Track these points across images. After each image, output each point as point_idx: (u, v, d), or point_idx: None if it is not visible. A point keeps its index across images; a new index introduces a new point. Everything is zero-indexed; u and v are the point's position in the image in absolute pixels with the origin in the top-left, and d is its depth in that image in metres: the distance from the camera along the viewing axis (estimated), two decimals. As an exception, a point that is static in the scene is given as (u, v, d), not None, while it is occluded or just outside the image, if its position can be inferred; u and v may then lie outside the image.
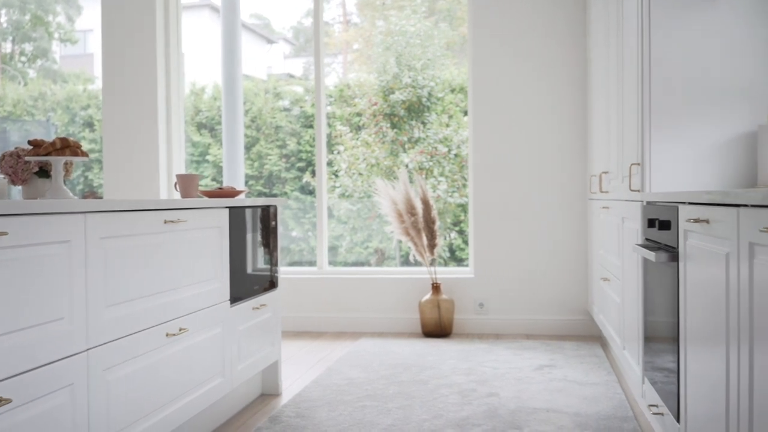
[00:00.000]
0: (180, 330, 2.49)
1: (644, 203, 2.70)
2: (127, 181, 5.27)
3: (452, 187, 5.68)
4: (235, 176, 5.44)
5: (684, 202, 2.14)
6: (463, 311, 4.86)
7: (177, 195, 4.44)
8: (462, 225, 5.63)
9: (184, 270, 2.55)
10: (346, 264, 5.74)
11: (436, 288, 4.73)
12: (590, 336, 4.68)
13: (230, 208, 2.94)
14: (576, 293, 4.76)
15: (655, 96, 2.76)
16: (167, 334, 2.41)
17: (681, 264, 2.16)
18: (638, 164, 2.82)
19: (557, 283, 4.77)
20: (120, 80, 5.29)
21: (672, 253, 2.24)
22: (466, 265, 5.26)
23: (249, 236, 3.16)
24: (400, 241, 5.41)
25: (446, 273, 5.01)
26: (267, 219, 3.37)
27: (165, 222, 2.39)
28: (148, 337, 2.30)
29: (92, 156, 7.27)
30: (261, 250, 3.30)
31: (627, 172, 3.04)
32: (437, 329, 4.71)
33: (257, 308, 3.19)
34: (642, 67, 2.79)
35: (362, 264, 5.76)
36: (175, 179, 4.08)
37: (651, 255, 2.31)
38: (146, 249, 2.30)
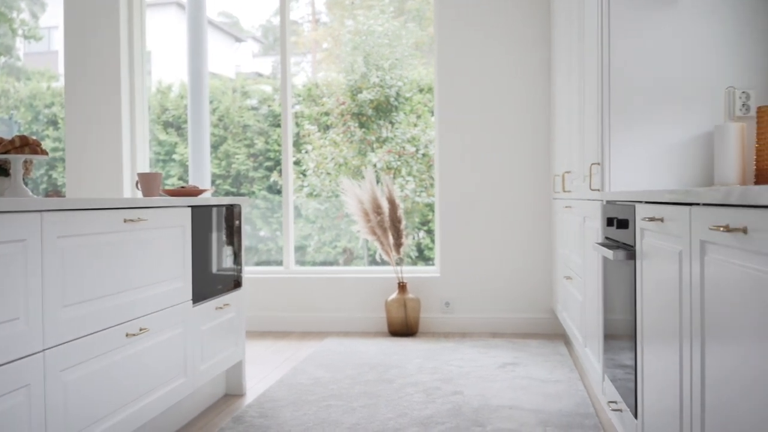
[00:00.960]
0: (140, 330, 2.47)
1: (604, 202, 2.74)
2: (91, 180, 5.21)
3: (420, 186, 5.69)
4: (201, 175, 5.40)
5: (641, 201, 2.18)
6: (429, 310, 4.88)
7: (140, 194, 4.41)
8: (430, 224, 5.65)
9: (145, 269, 2.53)
10: (314, 263, 5.73)
11: (402, 287, 4.74)
12: (555, 334, 4.72)
13: (193, 207, 2.92)
14: (541, 292, 4.81)
15: (614, 96, 2.79)
16: (127, 334, 2.39)
17: (638, 262, 2.19)
18: (598, 164, 2.86)
19: (522, 282, 4.82)
20: (83, 78, 5.23)
21: (630, 251, 2.27)
22: (434, 265, 5.28)
23: (212, 235, 3.14)
24: (367, 241, 5.42)
25: (413, 272, 5.03)
26: (231, 218, 3.36)
27: (125, 221, 2.37)
28: (107, 337, 2.28)
29: (56, 154, 7.17)
30: (225, 250, 3.29)
31: (588, 171, 3.08)
32: (403, 328, 4.72)
33: (221, 308, 3.18)
34: (602, 68, 2.83)
35: (331, 263, 5.75)
36: (136, 178, 4.04)
37: (609, 253, 2.34)
38: (105, 248, 2.27)
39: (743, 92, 2.68)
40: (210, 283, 3.10)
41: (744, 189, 1.29)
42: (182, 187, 3.24)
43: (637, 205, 2.18)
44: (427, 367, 3.85)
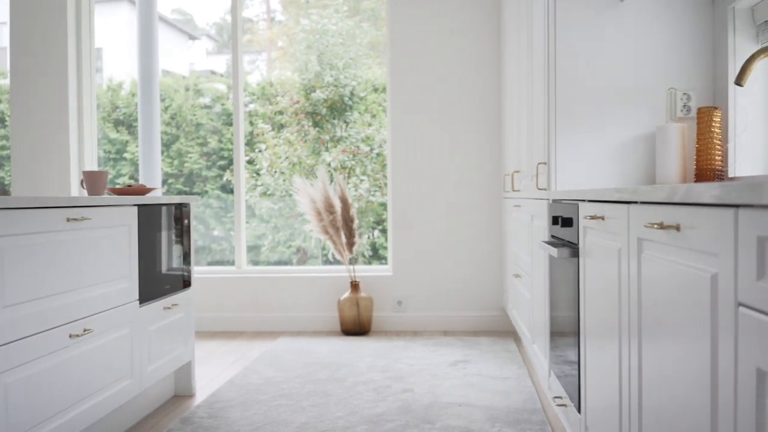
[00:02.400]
0: (84, 331, 2.43)
1: (550, 201, 2.78)
2: (38, 178, 5.11)
3: (374, 186, 5.70)
4: (152, 174, 5.33)
5: (584, 200, 2.22)
6: (381, 309, 4.90)
7: (86, 193, 4.33)
8: (384, 224, 5.66)
9: (90, 269, 2.49)
10: (269, 263, 5.70)
11: (355, 286, 4.75)
12: (505, 331, 4.78)
13: (139, 206, 2.88)
14: (491, 290, 4.86)
15: (560, 97, 2.84)
16: (71, 335, 2.35)
17: (581, 260, 2.23)
18: (545, 163, 2.90)
19: (474, 281, 4.86)
20: (29, 75, 5.12)
21: (574, 249, 2.31)
22: (387, 264, 5.29)
23: (160, 235, 3.10)
24: (321, 240, 5.40)
25: (365, 271, 5.04)
26: (180, 217, 3.32)
27: (68, 220, 2.33)
28: (50, 338, 2.24)
29: (2, 153, 7.00)
30: (174, 249, 3.25)
31: (535, 171, 3.12)
32: (356, 327, 4.73)
33: (169, 308, 3.14)
34: (548, 69, 2.87)
35: (285, 263, 5.72)
36: (81, 176, 3.97)
37: (554, 251, 2.38)
38: (48, 248, 2.23)
39: (684, 93, 2.75)
40: (158, 283, 3.06)
41: (676, 187, 1.32)
42: (129, 185, 3.19)
43: (580, 204, 2.21)
44: (378, 365, 3.86)
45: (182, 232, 3.35)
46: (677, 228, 1.35)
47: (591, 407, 2.14)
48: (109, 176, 5.91)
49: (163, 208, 3.13)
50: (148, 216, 2.97)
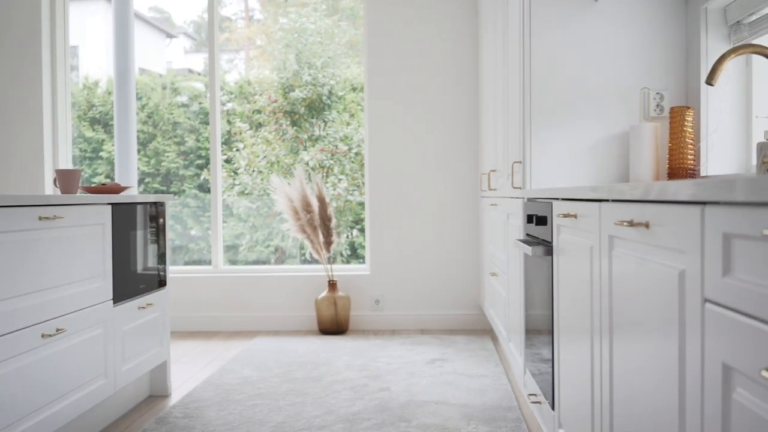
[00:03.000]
0: (57, 331, 2.41)
1: (525, 200, 2.80)
2: (11, 177, 5.05)
3: (353, 185, 5.70)
4: (128, 173, 5.29)
5: (557, 198, 2.23)
6: (359, 308, 4.90)
7: (59, 191, 4.29)
8: (363, 223, 5.66)
9: (63, 269, 2.46)
10: (247, 262, 5.67)
11: (332, 285, 4.74)
12: (482, 330, 4.79)
13: (113, 204, 2.85)
14: (469, 288, 4.87)
15: (535, 96, 2.85)
16: (43, 335, 2.33)
17: (555, 258, 2.24)
18: (520, 162, 2.91)
19: (451, 279, 4.87)
20: (3, 73, 5.06)
21: (548, 247, 2.33)
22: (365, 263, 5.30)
23: (135, 234, 3.08)
24: (300, 239, 5.39)
25: (343, 270, 5.04)
26: (155, 216, 3.30)
27: (40, 219, 2.30)
28: (22, 339, 2.21)
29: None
30: (148, 248, 3.23)
31: (510, 170, 3.14)
32: (333, 326, 4.72)
33: (143, 307, 3.12)
34: (523, 69, 2.88)
35: (264, 262, 5.70)
36: (54, 175, 3.94)
37: (528, 249, 2.39)
38: (20, 247, 2.21)
39: (657, 93, 2.78)
40: (132, 283, 3.04)
41: (644, 185, 1.33)
42: (102, 184, 3.17)
43: (554, 202, 2.23)
44: (355, 364, 3.86)
45: (157, 232, 3.33)
46: (646, 225, 1.36)
47: (564, 404, 2.16)
48: (84, 175, 5.87)
49: (138, 207, 3.11)
50: (123, 215, 2.95)
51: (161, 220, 3.36)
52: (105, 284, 2.78)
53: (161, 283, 3.35)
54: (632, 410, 1.48)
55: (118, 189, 3.14)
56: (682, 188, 1.16)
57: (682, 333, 1.21)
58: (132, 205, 3.04)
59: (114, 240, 2.86)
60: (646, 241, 1.38)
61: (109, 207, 2.81)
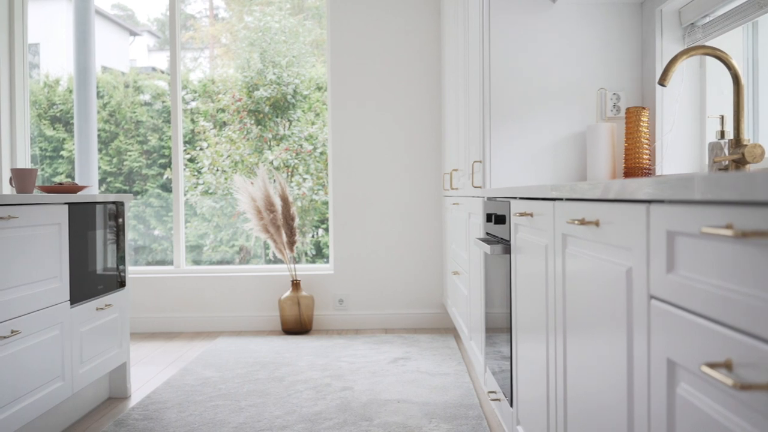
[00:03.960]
0: (12, 332, 2.37)
1: (485, 199, 2.82)
2: (-32, 176, 4.95)
3: (318, 184, 5.69)
4: (88, 172, 5.22)
5: (515, 197, 2.25)
6: (323, 307, 4.89)
7: (14, 191, 4.22)
8: (328, 223, 5.65)
9: (18, 269, 2.42)
10: (211, 262, 5.63)
11: (296, 285, 4.73)
12: (445, 328, 4.82)
13: (70, 204, 2.81)
14: (432, 287, 4.89)
15: (495, 96, 2.87)
16: (-4, 337, 2.29)
17: (513, 256, 2.26)
18: (480, 161, 2.93)
19: (415, 278, 4.89)
20: (-41, 69, 4.96)
21: (506, 246, 2.35)
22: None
23: (93, 234, 3.04)
24: (262, 239, 5.37)
25: (306, 270, 5.02)
26: (114, 216, 3.26)
27: (-8, 218, 2.26)
28: (-27, 340, 2.17)
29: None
30: (107, 248, 3.19)
31: (471, 169, 3.16)
32: (297, 326, 4.71)
33: (102, 308, 3.08)
34: (483, 69, 2.90)
35: (228, 262, 5.67)
36: (9, 174, 3.87)
37: (488, 248, 2.41)
38: (-30, 247, 2.17)
39: (614, 94, 2.81)
40: (90, 283, 3.00)
41: (592, 183, 1.35)
42: (59, 183, 3.12)
43: (512, 201, 2.25)
44: (318, 364, 3.85)
45: (117, 231, 3.29)
46: (597, 224, 1.38)
47: (522, 401, 2.18)
48: (45, 174, 5.77)
49: (96, 207, 3.07)
50: (80, 215, 2.91)
51: (120, 220, 3.32)
52: (62, 285, 2.74)
53: (121, 283, 3.31)
54: (585, 406, 1.50)
55: (75, 188, 3.10)
56: (626, 187, 1.18)
57: (629, 329, 1.23)
58: (90, 205, 3.00)
59: (71, 240, 2.82)
60: (597, 239, 1.40)
61: (66, 207, 2.77)
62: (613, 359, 1.31)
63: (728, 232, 0.83)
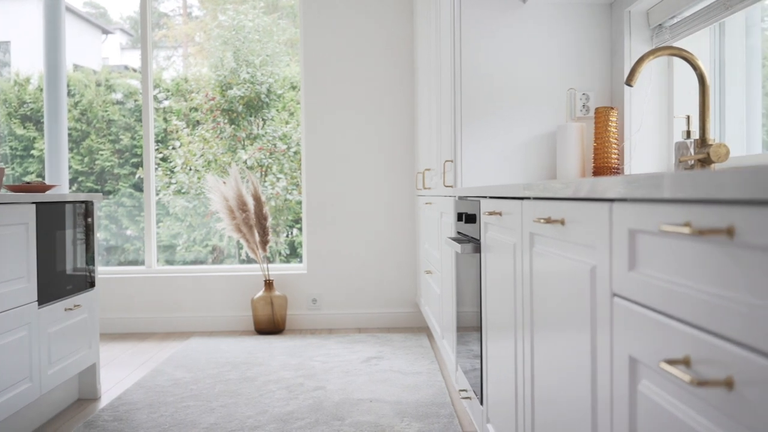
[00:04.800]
0: (-23, 333, 2.33)
1: (456, 198, 2.83)
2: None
3: (292, 184, 5.67)
4: (59, 171, 5.16)
5: (485, 197, 2.26)
6: (296, 307, 4.88)
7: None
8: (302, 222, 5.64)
9: (-18, 269, 2.39)
10: (185, 262, 5.59)
11: (269, 285, 4.71)
12: (418, 327, 4.83)
13: (38, 203, 2.78)
14: (405, 286, 4.90)
15: (466, 96, 2.88)
16: (-39, 338, 2.25)
17: (483, 255, 2.27)
18: (451, 161, 2.94)
19: (388, 277, 4.89)
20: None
21: (477, 245, 2.36)
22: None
23: (62, 233, 3.00)
24: (235, 238, 5.34)
25: (280, 269, 5.01)
26: (83, 215, 3.22)
27: (-43, 218, 2.23)
28: (-64, 342, 2.14)
29: None
30: (76, 248, 3.15)
31: (443, 168, 3.17)
32: (270, 326, 4.69)
33: (71, 309, 3.05)
34: (454, 68, 2.91)
35: (202, 262, 5.63)
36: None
37: (458, 247, 2.42)
38: (-67, 247, 2.13)
39: (584, 94, 2.84)
40: (59, 284, 2.97)
41: (567, 183, 1.36)
42: (27, 182, 3.08)
43: (482, 200, 2.26)
44: (291, 364, 3.84)
45: (86, 231, 3.25)
46: (562, 222, 1.39)
47: (492, 399, 2.19)
48: (15, 174, 5.69)
49: (65, 206, 3.03)
50: (48, 214, 2.87)
51: (90, 220, 3.28)
52: (29, 285, 2.70)
53: (90, 283, 3.28)
54: (552, 404, 1.52)
55: (43, 188, 3.06)
56: (589, 186, 1.19)
57: (593, 327, 1.24)
58: (58, 205, 2.97)
59: (39, 240, 2.78)
60: (563, 237, 1.41)
61: (33, 206, 2.74)
62: (578, 357, 1.32)
63: (686, 230, 0.84)
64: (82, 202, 3.21)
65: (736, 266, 0.77)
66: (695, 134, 2.13)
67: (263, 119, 5.76)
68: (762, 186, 0.68)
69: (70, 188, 5.47)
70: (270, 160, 5.68)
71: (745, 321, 0.74)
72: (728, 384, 0.78)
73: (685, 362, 0.88)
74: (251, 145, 5.70)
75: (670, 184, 0.89)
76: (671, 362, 0.90)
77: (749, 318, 0.73)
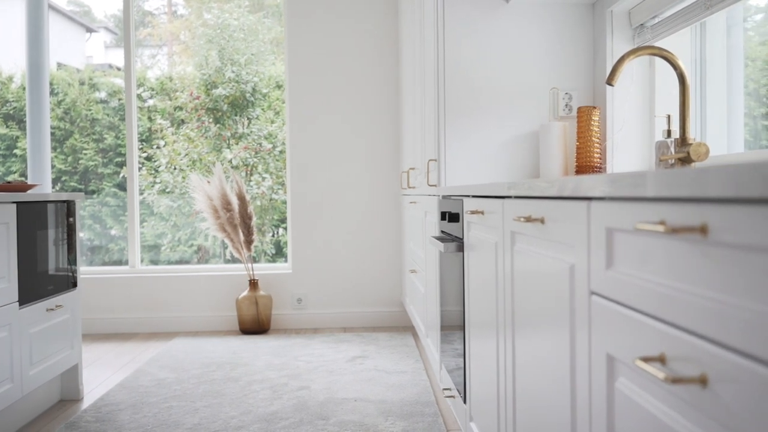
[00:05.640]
0: (-44, 334, 2.31)
1: (440, 197, 2.83)
2: None
3: (277, 183, 5.65)
4: (41, 171, 5.12)
5: (468, 196, 2.26)
6: (281, 307, 4.86)
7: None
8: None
9: (-39, 269, 2.36)
10: (170, 262, 5.56)
11: (253, 284, 4.70)
12: (404, 327, 4.83)
13: (18, 203, 2.76)
14: (391, 285, 4.90)
15: (449, 95, 2.89)
16: (-60, 339, 2.23)
17: (466, 254, 2.27)
18: (435, 160, 2.94)
19: (373, 277, 4.89)
20: None
21: (459, 244, 2.36)
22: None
23: (43, 233, 2.98)
24: (220, 238, 5.32)
25: (264, 269, 4.99)
26: (65, 215, 3.20)
27: (-65, 218, 2.20)
28: None
29: None
30: (58, 248, 3.13)
31: (427, 167, 3.17)
32: (255, 326, 4.68)
33: (53, 309, 3.02)
34: (438, 68, 2.91)
35: (187, 262, 5.60)
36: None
37: (441, 246, 2.42)
38: None
39: (566, 93, 2.85)
40: (40, 284, 2.94)
41: (551, 181, 1.36)
42: (8, 182, 3.06)
43: (465, 199, 2.26)
44: (275, 363, 3.83)
45: (68, 231, 3.23)
46: (542, 221, 1.40)
47: (475, 397, 2.19)
48: (-6, 173, 5.64)
49: (48, 206, 3.01)
50: (29, 214, 2.85)
51: (72, 219, 3.26)
52: (10, 285, 2.68)
53: (72, 284, 3.26)
54: (532, 402, 1.52)
55: (24, 187, 3.03)
56: (567, 185, 1.19)
57: (572, 325, 1.24)
58: (40, 204, 2.95)
59: (19, 240, 2.76)
60: (543, 236, 1.41)
61: (14, 206, 2.71)
62: (557, 355, 1.32)
63: (660, 228, 0.84)
64: (64, 201, 3.19)
65: (709, 264, 0.78)
66: (676, 133, 2.14)
67: (248, 118, 5.74)
68: (734, 184, 0.68)
69: (53, 188, 5.43)
70: (255, 160, 5.66)
71: (718, 318, 0.75)
72: (702, 381, 0.78)
73: (661, 360, 0.89)
74: (236, 144, 5.68)
75: (644, 182, 0.89)
76: (647, 360, 0.90)
77: (722, 315, 0.74)
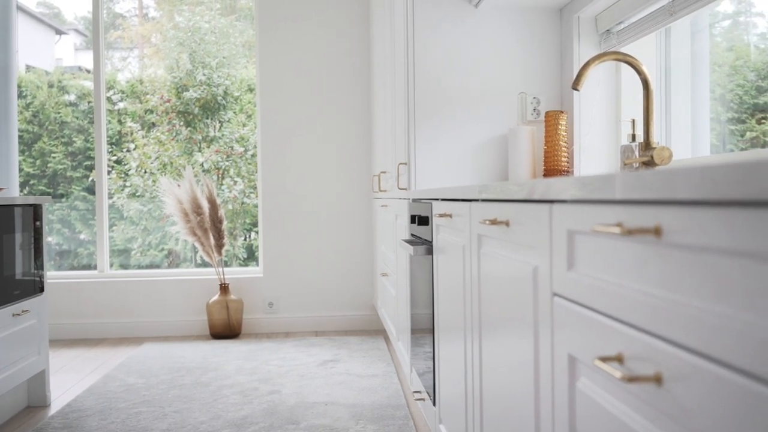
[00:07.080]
0: None
1: (410, 200, 2.84)
2: None
3: (249, 187, 5.63)
4: (9, 174, 5.04)
5: (437, 199, 2.28)
6: (252, 311, 4.84)
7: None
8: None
9: (-77, 274, 2.33)
10: (140, 267, 5.51)
11: (224, 289, 4.67)
12: (375, 330, 4.83)
13: (-17, 207, 2.72)
14: (362, 289, 4.90)
15: (419, 99, 2.90)
16: None
17: (435, 257, 2.29)
18: (405, 164, 2.96)
19: (345, 280, 4.89)
20: None
21: (429, 247, 2.37)
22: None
23: (9, 237, 2.94)
24: (191, 242, 5.28)
25: (235, 273, 4.97)
26: (31, 219, 3.16)
27: None
28: None
29: None
30: (24, 252, 3.09)
31: (397, 171, 3.18)
32: (226, 330, 4.65)
33: (18, 314, 2.99)
34: (408, 71, 2.93)
35: (158, 266, 5.56)
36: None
37: (411, 249, 2.43)
38: None
39: (534, 98, 2.88)
40: (5, 288, 2.90)
41: (522, 184, 1.38)
42: (-27, 185, 3.01)
43: (434, 203, 2.27)
44: (246, 368, 3.82)
45: (35, 235, 3.19)
46: (507, 224, 1.41)
47: (444, 400, 2.20)
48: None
49: (12, 210, 2.97)
50: (-6, 218, 2.81)
51: (38, 223, 3.22)
52: (-26, 291, 2.64)
53: (39, 288, 3.22)
54: (499, 403, 1.53)
55: (-11, 191, 2.99)
56: (530, 188, 1.21)
57: (536, 327, 1.26)
58: (5, 208, 2.91)
59: (-16, 244, 2.72)
60: (507, 239, 1.43)
61: (-21, 209, 2.68)
62: (522, 356, 1.33)
63: (616, 230, 0.85)
64: (31, 205, 3.15)
65: (663, 264, 0.79)
66: (640, 137, 2.17)
67: (220, 121, 5.71)
68: (685, 186, 0.70)
69: (21, 191, 5.36)
70: (227, 163, 5.64)
71: (671, 317, 0.76)
72: (657, 379, 0.79)
73: (618, 359, 0.90)
74: (208, 147, 5.65)
75: (601, 185, 0.91)
76: (605, 359, 0.92)
77: (674, 314, 0.76)
